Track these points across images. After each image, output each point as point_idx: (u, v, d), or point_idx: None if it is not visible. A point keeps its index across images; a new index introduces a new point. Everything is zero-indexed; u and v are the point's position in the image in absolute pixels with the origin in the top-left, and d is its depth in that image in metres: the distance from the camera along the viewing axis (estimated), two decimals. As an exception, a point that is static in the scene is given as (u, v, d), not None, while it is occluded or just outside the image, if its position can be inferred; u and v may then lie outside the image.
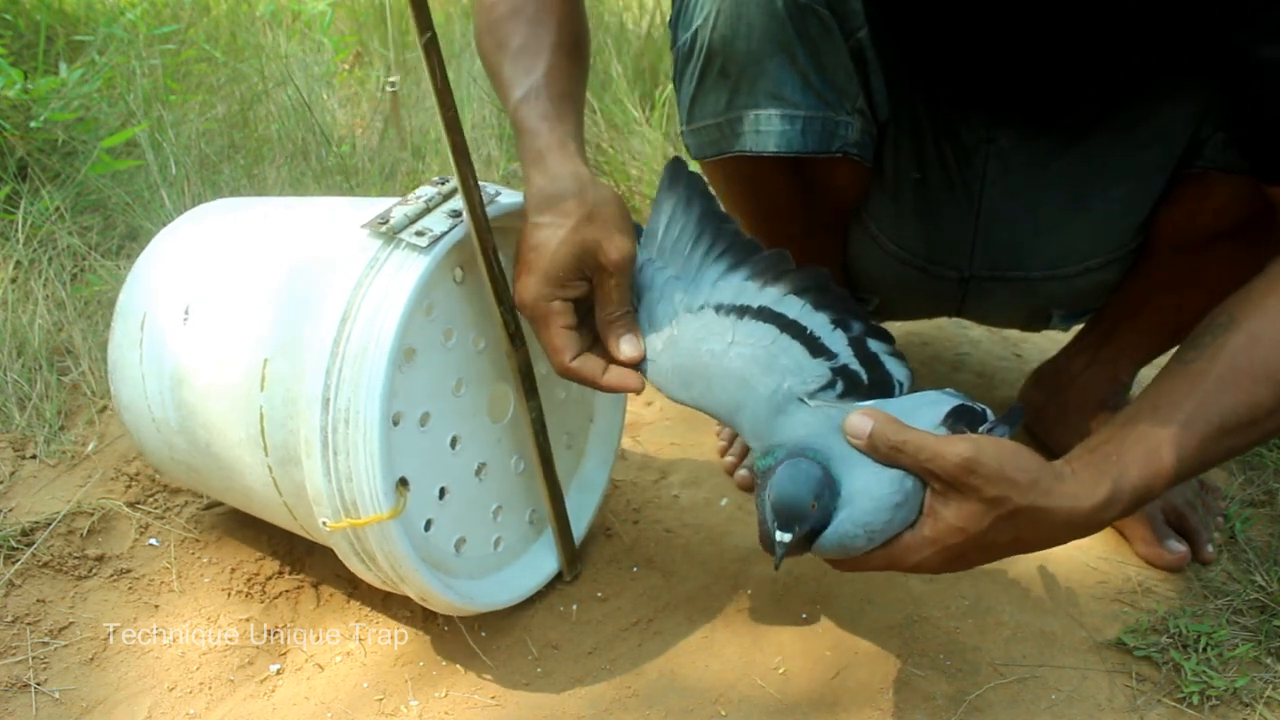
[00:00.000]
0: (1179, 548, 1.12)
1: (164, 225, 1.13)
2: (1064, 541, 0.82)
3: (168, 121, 1.78)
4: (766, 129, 1.01)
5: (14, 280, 1.48)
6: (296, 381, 0.91)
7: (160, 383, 1.02)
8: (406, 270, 0.90)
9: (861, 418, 0.81)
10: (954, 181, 1.12)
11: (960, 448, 0.77)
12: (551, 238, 0.88)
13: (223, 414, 0.98)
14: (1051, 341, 1.44)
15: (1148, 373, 1.40)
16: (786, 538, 0.78)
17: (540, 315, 0.90)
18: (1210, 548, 1.14)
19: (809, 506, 0.78)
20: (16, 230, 1.53)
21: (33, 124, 1.64)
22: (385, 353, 0.87)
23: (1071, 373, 1.26)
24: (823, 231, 1.21)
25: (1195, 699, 0.98)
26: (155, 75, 1.94)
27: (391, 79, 2.02)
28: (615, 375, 0.90)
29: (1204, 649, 1.02)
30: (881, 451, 0.80)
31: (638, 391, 0.90)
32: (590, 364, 0.90)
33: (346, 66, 2.36)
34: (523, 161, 0.93)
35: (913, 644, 1.04)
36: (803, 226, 1.19)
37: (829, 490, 0.80)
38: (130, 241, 1.63)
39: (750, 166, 1.06)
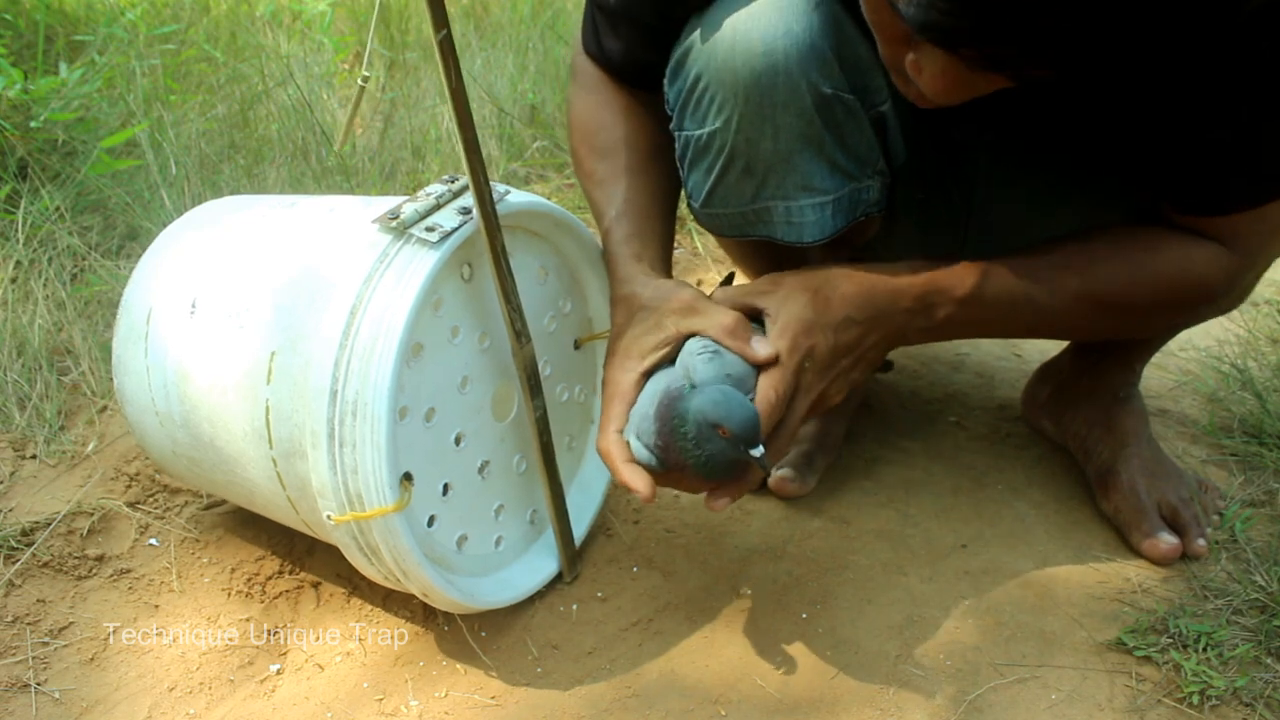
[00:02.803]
0: (1171, 539, 1.14)
1: (164, 225, 1.13)
2: (877, 311, 0.97)
3: (168, 121, 1.78)
4: (799, 220, 1.00)
5: (14, 280, 1.47)
6: (304, 374, 0.91)
7: (164, 376, 1.02)
8: (417, 264, 0.90)
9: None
10: (948, 182, 1.12)
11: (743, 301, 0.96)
12: (625, 324, 0.97)
13: (228, 407, 0.98)
14: (1051, 341, 1.44)
15: (1150, 371, 1.41)
16: (760, 451, 0.86)
17: (611, 384, 0.95)
18: (1201, 541, 1.14)
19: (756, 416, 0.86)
20: (16, 230, 1.53)
21: (33, 124, 1.64)
22: (395, 345, 0.88)
23: (1078, 369, 1.27)
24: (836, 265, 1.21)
25: (1195, 699, 0.98)
26: (155, 75, 1.94)
27: (364, 74, 2.01)
28: (628, 472, 0.91)
29: (1204, 649, 1.02)
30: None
31: (642, 495, 0.90)
32: (621, 449, 0.92)
33: (346, 66, 2.35)
34: (610, 284, 1.02)
35: (913, 644, 1.04)
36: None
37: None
38: (130, 241, 1.63)
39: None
